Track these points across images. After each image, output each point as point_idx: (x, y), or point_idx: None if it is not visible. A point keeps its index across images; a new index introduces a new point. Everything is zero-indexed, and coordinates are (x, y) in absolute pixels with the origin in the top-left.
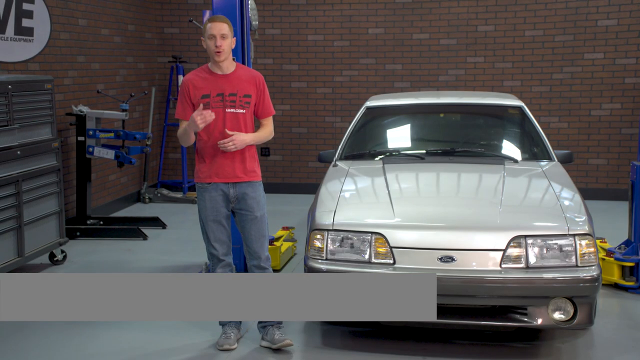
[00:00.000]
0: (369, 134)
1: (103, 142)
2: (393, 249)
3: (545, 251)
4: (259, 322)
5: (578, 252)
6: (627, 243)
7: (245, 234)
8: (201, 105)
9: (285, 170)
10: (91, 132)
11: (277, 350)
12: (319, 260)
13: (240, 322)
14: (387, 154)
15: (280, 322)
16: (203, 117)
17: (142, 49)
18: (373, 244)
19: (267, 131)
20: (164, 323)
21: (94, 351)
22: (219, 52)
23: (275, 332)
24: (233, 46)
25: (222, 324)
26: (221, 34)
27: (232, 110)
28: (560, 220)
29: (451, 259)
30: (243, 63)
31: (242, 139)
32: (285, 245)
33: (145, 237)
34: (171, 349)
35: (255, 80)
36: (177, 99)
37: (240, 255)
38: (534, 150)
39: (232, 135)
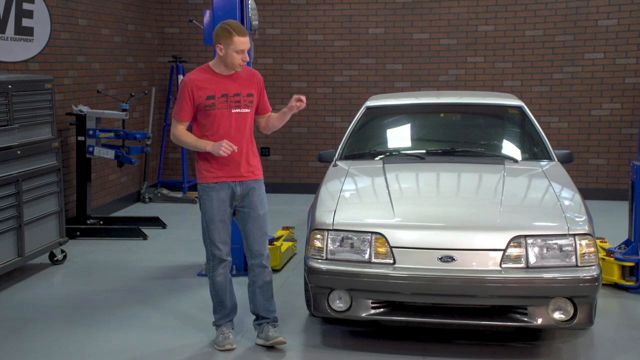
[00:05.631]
0: (369, 133)
1: (103, 142)
2: (393, 249)
3: (545, 251)
4: (255, 320)
5: (578, 252)
6: (627, 243)
7: (247, 233)
8: (227, 143)
9: (285, 170)
10: (91, 132)
11: (274, 349)
12: (319, 260)
13: (233, 319)
14: (387, 153)
15: (276, 320)
16: (226, 151)
17: (142, 48)
18: (373, 243)
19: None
20: (162, 323)
21: (93, 351)
22: (243, 65)
23: (269, 329)
24: None
25: (217, 324)
26: (248, 48)
27: (237, 110)
28: (560, 220)
29: (451, 259)
30: None
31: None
32: (285, 245)
33: (145, 237)
34: (170, 350)
35: (255, 79)
36: (176, 99)
37: (240, 254)
38: (534, 150)
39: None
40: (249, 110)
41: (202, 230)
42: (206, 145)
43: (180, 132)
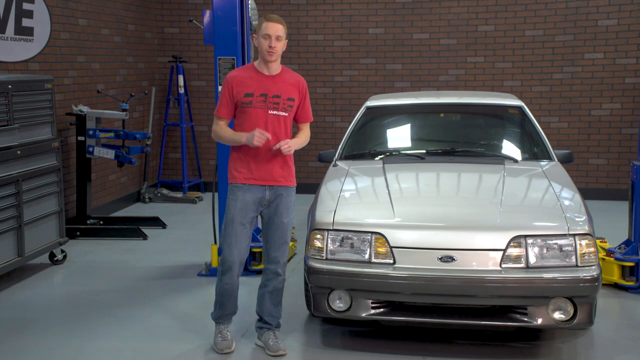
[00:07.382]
0: (369, 133)
1: (103, 142)
2: (393, 249)
3: (545, 251)
4: (258, 320)
5: (578, 252)
6: (627, 243)
7: (268, 238)
8: (260, 131)
9: None
10: (91, 132)
11: None
12: (319, 260)
13: (232, 318)
14: (387, 153)
15: (278, 326)
16: (260, 139)
17: (142, 48)
18: (373, 243)
19: (306, 136)
20: (162, 324)
21: (93, 351)
22: (272, 52)
23: (270, 337)
24: (284, 48)
25: (216, 321)
26: (277, 35)
27: (274, 112)
28: (560, 220)
29: (451, 259)
30: (243, 63)
31: (294, 145)
32: None
33: (145, 237)
34: (170, 350)
35: (299, 85)
36: (219, 96)
37: None
38: (534, 150)
39: (284, 141)
40: (286, 114)
41: (221, 231)
42: (242, 137)
43: (220, 127)
